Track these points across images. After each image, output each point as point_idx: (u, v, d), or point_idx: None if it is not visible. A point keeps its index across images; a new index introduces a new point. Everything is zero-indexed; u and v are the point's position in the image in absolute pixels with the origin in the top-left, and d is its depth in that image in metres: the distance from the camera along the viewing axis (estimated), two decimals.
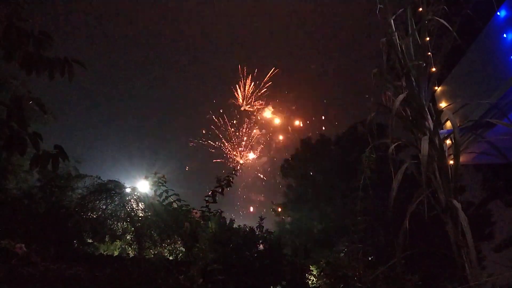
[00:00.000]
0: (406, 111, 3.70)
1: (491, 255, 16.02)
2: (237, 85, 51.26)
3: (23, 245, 4.38)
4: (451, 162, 3.34)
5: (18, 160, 9.79)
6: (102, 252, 10.45)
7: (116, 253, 10.86)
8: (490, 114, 6.48)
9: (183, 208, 4.66)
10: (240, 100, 51.85)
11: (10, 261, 4.33)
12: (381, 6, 3.98)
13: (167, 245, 9.92)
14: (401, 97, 3.37)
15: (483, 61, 7.40)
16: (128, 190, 11.23)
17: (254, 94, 51.60)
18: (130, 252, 10.66)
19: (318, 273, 8.74)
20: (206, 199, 4.84)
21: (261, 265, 8.29)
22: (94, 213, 10.48)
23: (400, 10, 3.93)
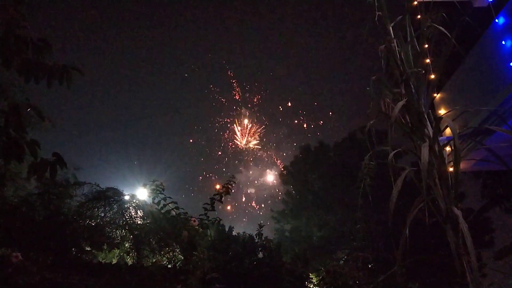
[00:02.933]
0: (405, 118, 3.69)
1: (491, 262, 15.94)
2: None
3: (19, 254, 4.34)
4: (451, 169, 3.32)
5: (16, 167, 9.75)
6: (100, 260, 10.37)
7: (114, 261, 10.78)
8: (489, 121, 6.49)
9: (182, 216, 4.63)
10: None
11: (6, 270, 4.29)
12: (380, 13, 3.99)
13: (166, 253, 9.85)
14: (400, 104, 3.36)
15: (482, 67, 7.42)
16: (127, 197, 11.17)
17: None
18: (128, 260, 10.58)
19: (317, 281, 8.68)
20: (205, 207, 4.82)
21: (260, 273, 8.23)
22: (93, 220, 10.41)
23: (399, 17, 3.94)
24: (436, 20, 3.80)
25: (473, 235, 2.90)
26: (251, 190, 52.61)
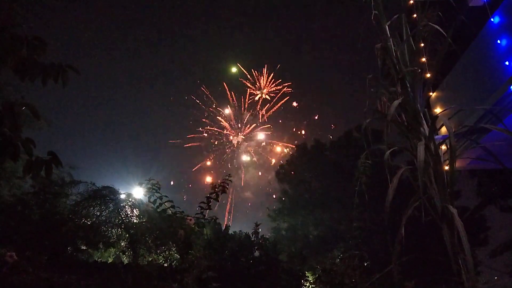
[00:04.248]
0: (401, 116, 3.70)
1: (486, 260, 16.04)
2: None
3: (13, 253, 4.31)
4: (447, 167, 3.34)
5: (11, 166, 9.70)
6: (96, 259, 10.35)
7: (110, 260, 10.76)
8: (485, 120, 6.51)
9: (177, 214, 4.62)
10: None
11: (1, 269, 4.26)
12: (376, 12, 3.99)
13: (162, 252, 9.83)
14: (396, 102, 3.37)
15: (478, 66, 7.45)
16: (122, 196, 11.14)
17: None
18: (124, 259, 10.55)
19: (314, 280, 8.70)
20: (201, 205, 4.81)
21: (257, 272, 8.24)
22: (88, 219, 10.37)
23: (395, 16, 3.95)
24: (432, 19, 3.80)
25: (468, 233, 2.91)
26: (247, 193, 52.99)
